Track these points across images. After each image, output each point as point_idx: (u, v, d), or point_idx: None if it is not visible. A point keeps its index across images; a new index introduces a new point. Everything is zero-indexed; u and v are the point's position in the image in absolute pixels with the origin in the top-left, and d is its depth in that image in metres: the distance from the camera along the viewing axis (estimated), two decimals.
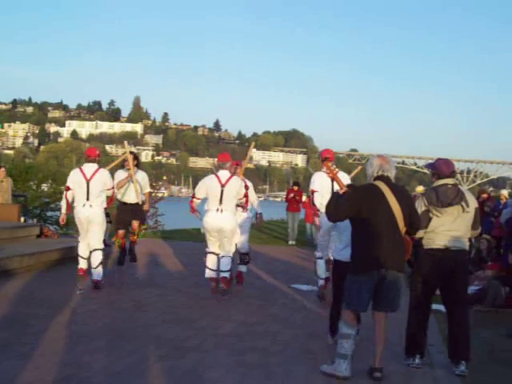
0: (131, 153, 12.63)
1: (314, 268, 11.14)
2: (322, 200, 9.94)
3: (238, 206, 10.90)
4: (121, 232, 12.18)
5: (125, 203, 12.26)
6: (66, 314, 8.78)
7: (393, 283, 6.32)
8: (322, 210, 9.97)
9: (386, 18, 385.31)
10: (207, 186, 10.46)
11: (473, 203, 6.97)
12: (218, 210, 10.37)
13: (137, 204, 12.36)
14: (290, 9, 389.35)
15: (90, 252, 11.02)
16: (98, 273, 10.92)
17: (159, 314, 9.14)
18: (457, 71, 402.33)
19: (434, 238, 6.85)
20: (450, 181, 6.94)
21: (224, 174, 10.47)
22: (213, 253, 10.65)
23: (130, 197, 12.14)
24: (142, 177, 12.51)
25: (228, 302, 10.22)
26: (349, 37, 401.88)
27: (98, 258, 10.97)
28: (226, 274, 10.58)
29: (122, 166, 12.35)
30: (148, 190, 12.86)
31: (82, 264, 11.13)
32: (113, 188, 11.31)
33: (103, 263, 11.14)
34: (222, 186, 10.33)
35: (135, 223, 12.52)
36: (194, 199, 10.69)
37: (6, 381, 5.74)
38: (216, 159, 11.12)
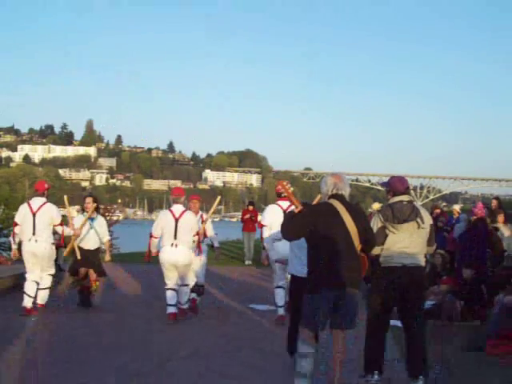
0: (90, 196, 12.22)
1: (271, 289, 11.22)
2: (271, 233, 10.06)
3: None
4: (82, 271, 11.71)
5: (81, 248, 11.61)
6: (19, 341, 8.67)
7: (349, 301, 6.33)
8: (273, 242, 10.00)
9: (347, 30, 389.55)
10: (162, 222, 10.44)
11: (428, 219, 7.07)
12: (172, 244, 10.32)
13: (93, 251, 11.79)
14: (237, 23, 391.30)
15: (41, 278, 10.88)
16: (42, 296, 10.87)
17: (114, 338, 9.07)
18: (406, 87, 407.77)
19: (391, 256, 6.90)
20: (405, 197, 7.02)
21: (178, 208, 10.48)
22: (171, 289, 10.52)
23: (87, 242, 11.77)
24: (100, 224, 11.93)
25: (184, 324, 10.17)
26: (302, 54, 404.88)
27: (47, 282, 10.92)
28: (185, 306, 10.65)
29: (83, 209, 11.97)
30: (107, 238, 12.17)
31: (27, 302, 10.71)
32: (61, 224, 11.07)
33: (51, 289, 11.03)
34: (176, 220, 10.31)
35: (92, 273, 11.72)
36: (153, 238, 10.64)
37: None
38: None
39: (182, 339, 9.09)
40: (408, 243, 6.90)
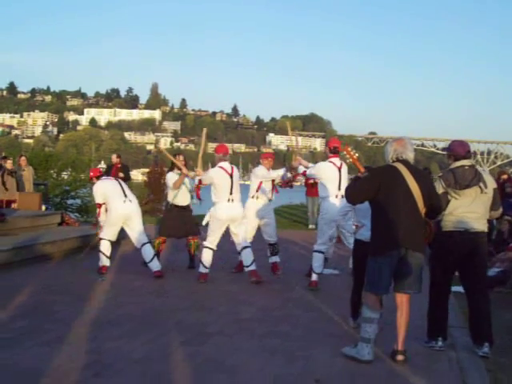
0: (181, 154, 12.63)
1: (332, 252, 11.25)
2: (330, 188, 10.45)
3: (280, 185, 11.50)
4: (163, 238, 12.07)
5: (176, 206, 11.98)
6: (88, 301, 8.84)
7: (413, 264, 6.29)
8: (332, 200, 10.12)
9: (399, 5, 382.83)
10: (215, 178, 10.51)
11: (491, 184, 6.94)
12: (229, 200, 10.48)
13: (187, 208, 12.09)
14: None
15: (140, 247, 11.12)
16: (155, 265, 11.02)
17: (180, 300, 9.18)
18: (475, 54, 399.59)
19: (453, 221, 6.82)
20: (466, 162, 6.90)
21: (227, 164, 10.62)
22: (211, 249, 10.72)
23: (180, 199, 11.94)
24: (189, 181, 12.02)
25: (248, 287, 10.24)
26: (365, 21, 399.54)
27: (149, 252, 11.06)
28: (252, 267, 10.65)
29: (171, 168, 12.04)
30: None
31: (105, 262, 11.09)
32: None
33: (157, 255, 11.24)
34: (230, 175, 10.41)
35: (190, 238, 12.09)
36: (201, 185, 10.84)
37: (31, 367, 5.80)
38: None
39: (246, 302, 9.14)
40: (470, 208, 6.80)
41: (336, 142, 10.99)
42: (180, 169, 11.35)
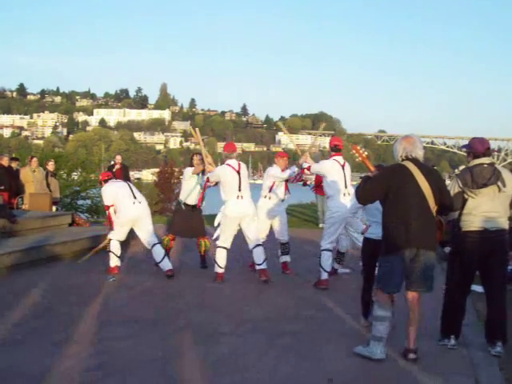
0: (199, 153, 12.37)
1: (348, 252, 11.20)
2: (336, 187, 10.33)
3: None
4: (172, 236, 12.07)
5: (187, 204, 11.88)
6: (98, 302, 8.83)
7: (425, 262, 6.26)
8: (341, 198, 10.05)
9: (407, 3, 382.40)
10: (222, 176, 10.47)
11: (511, 182, 6.85)
12: (238, 197, 10.44)
13: (196, 208, 11.94)
14: None
15: (151, 248, 11.08)
16: (166, 265, 10.95)
17: (191, 299, 9.16)
18: (482, 51, 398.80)
19: (472, 220, 6.74)
20: (485, 160, 6.81)
21: (234, 162, 10.57)
22: (224, 248, 10.66)
23: (192, 198, 11.83)
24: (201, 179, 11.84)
25: (259, 287, 10.21)
26: (373, 20, 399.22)
27: (160, 251, 11.03)
28: (264, 266, 10.58)
29: (191, 164, 11.95)
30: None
31: (116, 261, 11.12)
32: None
33: (167, 254, 11.20)
34: (238, 172, 10.41)
35: (199, 238, 11.99)
36: (208, 183, 10.90)
37: (40, 368, 5.79)
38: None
39: (257, 302, 9.12)
40: (489, 207, 6.72)
41: (337, 140, 11.12)
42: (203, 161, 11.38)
